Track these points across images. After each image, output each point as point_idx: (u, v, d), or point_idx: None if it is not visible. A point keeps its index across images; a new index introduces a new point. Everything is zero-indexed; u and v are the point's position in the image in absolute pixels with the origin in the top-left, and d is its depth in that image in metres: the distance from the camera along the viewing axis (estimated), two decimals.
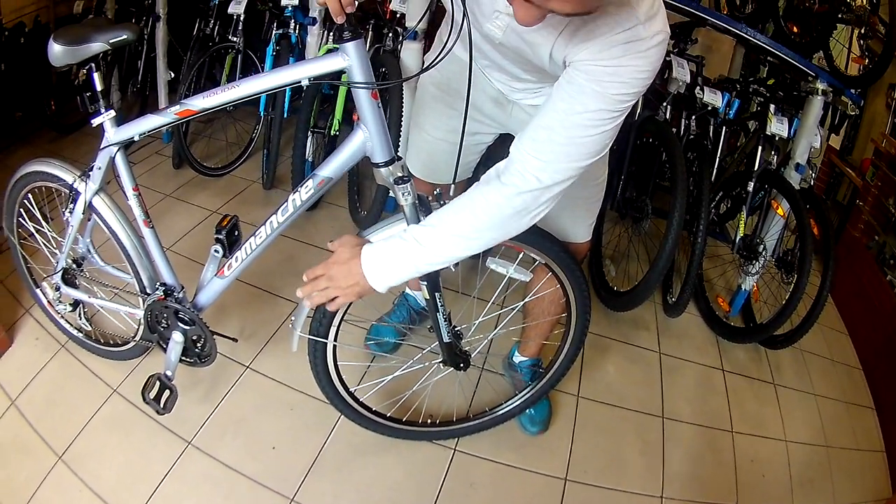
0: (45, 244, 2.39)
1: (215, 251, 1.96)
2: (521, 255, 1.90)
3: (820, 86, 2.89)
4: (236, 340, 2.29)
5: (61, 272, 2.28)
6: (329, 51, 2.90)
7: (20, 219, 2.35)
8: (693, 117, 3.21)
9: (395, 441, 2.33)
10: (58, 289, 2.33)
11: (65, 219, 2.11)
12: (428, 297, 1.84)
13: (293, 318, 1.87)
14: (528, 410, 2.44)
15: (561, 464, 2.34)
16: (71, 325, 2.52)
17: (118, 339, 2.47)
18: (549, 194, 1.45)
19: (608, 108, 1.34)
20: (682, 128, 3.24)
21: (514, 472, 2.30)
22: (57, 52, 1.77)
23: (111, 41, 1.80)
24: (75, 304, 2.40)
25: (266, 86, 1.57)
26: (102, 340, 2.51)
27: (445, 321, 1.92)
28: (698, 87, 3.13)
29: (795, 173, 2.95)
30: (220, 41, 3.56)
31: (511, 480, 2.28)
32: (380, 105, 1.53)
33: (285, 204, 1.72)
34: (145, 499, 2.08)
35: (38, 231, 2.36)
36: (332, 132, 3.35)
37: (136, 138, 1.85)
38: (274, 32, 3.51)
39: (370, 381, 2.31)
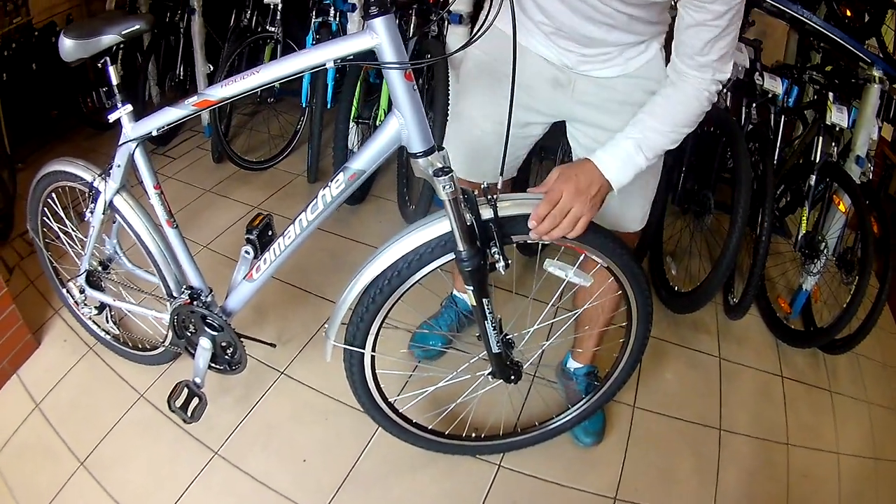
0: (70, 245, 2.29)
1: (246, 252, 1.85)
2: (581, 258, 1.70)
3: (876, 73, 2.66)
4: (274, 346, 2.15)
5: (85, 274, 2.17)
6: None
7: (45, 219, 2.25)
8: (753, 105, 2.96)
9: (435, 456, 2.16)
10: (82, 291, 2.23)
11: (86, 219, 2.00)
12: (475, 304, 1.64)
13: (326, 326, 1.75)
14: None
15: (611, 481, 2.16)
16: (100, 327, 2.42)
17: (147, 344, 2.36)
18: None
19: None
20: (743, 117, 2.99)
21: (561, 491, 2.12)
22: (68, 46, 1.69)
23: (124, 32, 1.70)
24: (101, 307, 2.30)
25: (287, 70, 1.42)
26: (131, 344, 2.40)
27: (494, 330, 1.72)
28: (757, 73, 2.91)
29: (856, 166, 2.71)
30: (258, 31, 3.46)
31: (557, 499, 2.10)
32: (415, 88, 1.37)
33: (314, 201, 1.59)
34: None
35: (63, 232, 2.26)
36: (378, 122, 3.17)
37: (155, 133, 1.70)
38: (313, 20, 3.38)
39: (411, 391, 2.17)
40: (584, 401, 2.15)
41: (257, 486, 2.06)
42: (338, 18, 3.41)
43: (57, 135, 3.72)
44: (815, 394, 2.67)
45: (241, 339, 1.97)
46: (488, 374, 1.89)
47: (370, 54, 1.32)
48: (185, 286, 1.97)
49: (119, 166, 1.84)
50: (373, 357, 1.80)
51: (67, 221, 2.22)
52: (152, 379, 2.36)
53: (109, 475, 2.06)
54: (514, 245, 1.63)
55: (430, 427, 2.10)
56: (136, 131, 1.74)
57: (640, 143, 1.50)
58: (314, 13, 3.40)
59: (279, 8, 3.37)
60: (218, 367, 2.07)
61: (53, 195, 2.17)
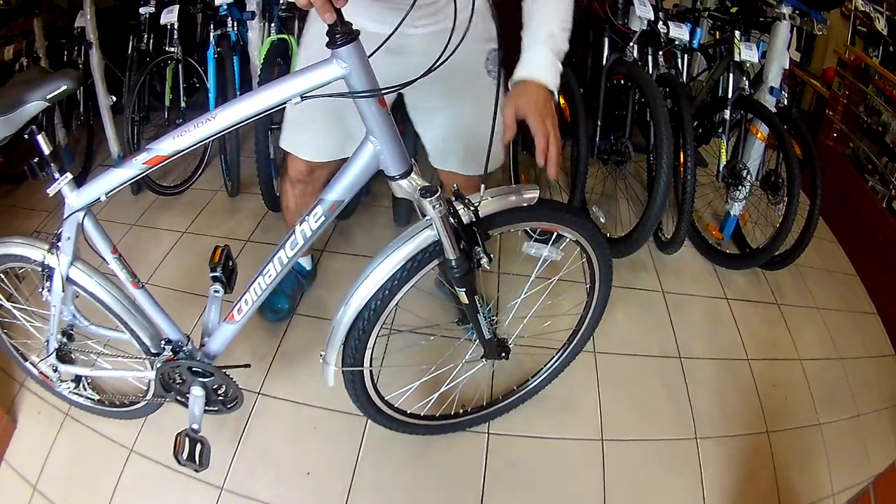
0: (26, 319, 2.11)
1: (215, 291, 1.84)
2: (554, 236, 1.76)
3: (786, 10, 2.74)
4: (249, 366, 2.04)
5: (54, 353, 2.00)
6: (273, 43, 2.72)
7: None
8: (660, 52, 3.02)
9: (428, 439, 2.20)
10: (55, 370, 2.07)
11: (44, 299, 1.83)
12: (467, 301, 1.65)
13: (323, 353, 1.73)
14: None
15: (594, 426, 2.25)
16: (80, 396, 2.26)
17: (129, 399, 2.23)
18: None
19: None
20: (651, 64, 3.05)
21: (552, 443, 2.20)
22: None
23: (49, 96, 1.50)
24: (77, 379, 2.16)
25: (249, 111, 1.33)
26: (116, 403, 2.27)
27: (486, 320, 1.77)
28: (661, 23, 2.94)
29: (770, 97, 2.82)
30: (157, 55, 3.30)
31: (551, 451, 2.18)
32: (388, 112, 1.34)
33: (292, 236, 1.54)
34: None
35: (19, 309, 2.08)
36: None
37: (104, 198, 1.56)
38: (212, 34, 3.21)
39: (403, 384, 2.15)
40: (555, 359, 2.22)
41: None
42: (236, 28, 3.26)
43: None
44: (764, 309, 2.80)
45: (228, 375, 1.89)
46: (481, 357, 1.94)
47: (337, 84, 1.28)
48: (163, 340, 1.88)
49: (69, 238, 1.68)
50: (371, 372, 1.83)
51: (20, 299, 2.07)
52: (136, 431, 2.27)
53: None
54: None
55: (422, 414, 2.14)
56: (82, 199, 1.58)
57: (552, 48, 1.53)
58: (212, 26, 3.25)
59: (175, 27, 3.23)
60: (213, 409, 1.99)
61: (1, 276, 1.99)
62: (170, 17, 3.20)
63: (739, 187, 2.83)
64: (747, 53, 2.76)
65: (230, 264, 1.83)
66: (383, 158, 1.38)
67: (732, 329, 2.68)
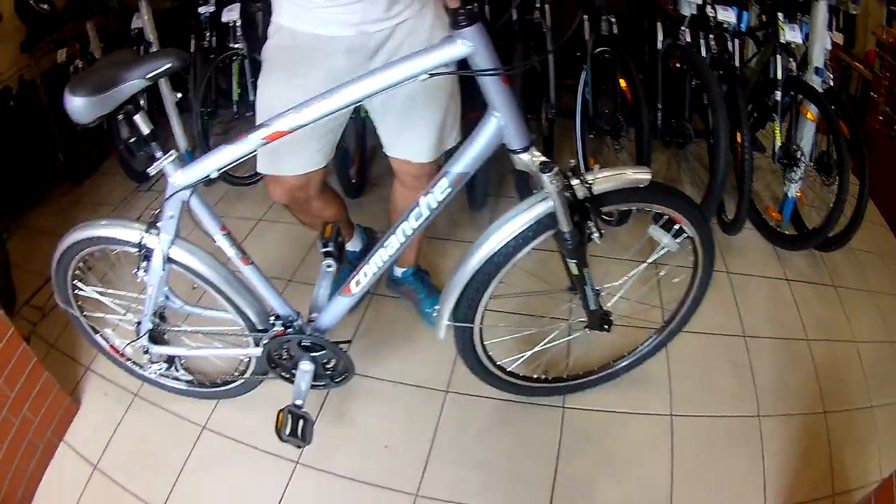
0: (112, 304, 2.11)
1: (327, 266, 1.87)
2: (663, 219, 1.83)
3: None
4: (350, 342, 2.08)
5: (147, 335, 2.00)
6: None
7: (76, 291, 2.07)
8: (710, 36, 3.07)
9: (505, 413, 2.24)
10: (146, 352, 2.05)
11: (140, 279, 1.81)
12: (577, 273, 1.72)
13: (436, 308, 1.84)
14: (430, 310, 2.43)
15: (664, 401, 2.28)
16: (170, 379, 2.28)
17: (222, 378, 2.26)
18: None
19: None
20: (703, 48, 3.10)
21: (624, 418, 2.24)
22: (79, 106, 1.42)
23: (150, 75, 1.46)
24: (170, 360, 2.14)
25: (373, 87, 1.37)
26: (207, 383, 2.28)
27: (593, 294, 1.83)
28: (709, 6, 2.99)
29: (816, 77, 2.83)
30: (221, 51, 3.35)
31: (622, 426, 2.22)
32: (510, 89, 1.39)
33: (417, 208, 1.59)
34: None
35: (102, 294, 2.09)
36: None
37: (214, 174, 1.56)
38: None
39: (507, 349, 2.19)
40: (651, 339, 2.25)
41: (348, 483, 2.05)
42: None
43: (36, 197, 3.54)
44: (822, 290, 2.81)
45: (342, 349, 1.90)
46: (584, 327, 1.98)
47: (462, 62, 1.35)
48: (272, 316, 1.88)
49: (171, 216, 1.66)
50: (480, 329, 1.88)
51: (104, 286, 2.07)
52: (210, 408, 2.29)
53: None
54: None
55: (522, 374, 2.18)
56: (188, 177, 1.57)
57: None
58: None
59: (238, 24, 3.28)
60: (319, 383, 2.00)
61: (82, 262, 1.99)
62: (231, 15, 3.24)
63: (794, 168, 2.84)
64: (791, 35, 2.77)
65: (339, 240, 1.87)
66: (507, 133, 1.44)
67: (793, 309, 2.69)
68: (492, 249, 1.64)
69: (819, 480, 2.07)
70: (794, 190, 2.92)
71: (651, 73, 3.14)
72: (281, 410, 1.85)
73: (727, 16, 2.97)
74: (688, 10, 2.95)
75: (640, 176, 1.61)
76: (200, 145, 3.32)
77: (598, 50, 2.98)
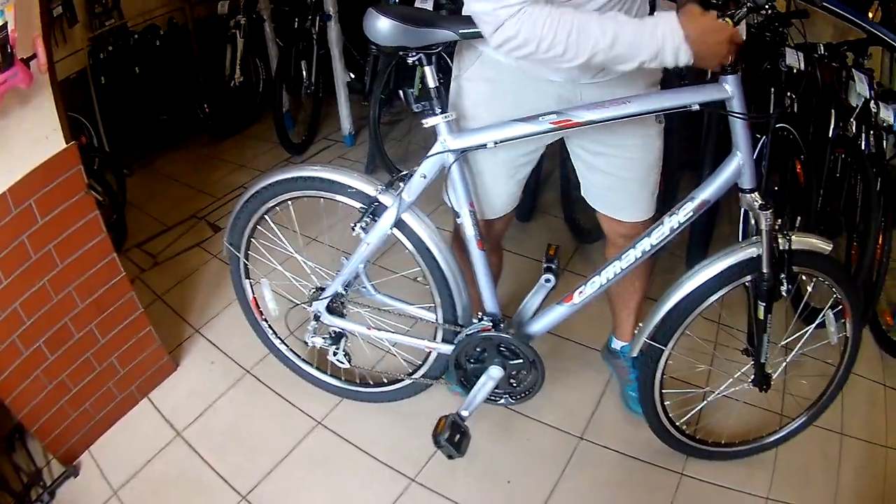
0: (293, 278, 2.05)
1: (546, 280, 1.89)
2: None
3: None
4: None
5: (328, 299, 1.92)
6: None
7: (253, 238, 2.00)
8: (871, 132, 2.98)
9: (630, 469, 2.16)
10: (317, 318, 1.96)
11: (356, 234, 1.75)
12: (762, 318, 1.77)
13: (640, 324, 1.82)
14: (632, 393, 2.29)
15: (765, 481, 2.17)
16: (312, 365, 2.20)
17: (379, 379, 2.17)
18: None
19: None
20: (863, 143, 2.96)
21: (739, 497, 2.13)
22: (385, 27, 1.47)
23: (462, 31, 1.47)
24: (337, 337, 2.03)
25: (654, 106, 1.51)
26: (358, 381, 2.19)
27: (768, 344, 1.85)
28: (873, 102, 2.88)
29: None
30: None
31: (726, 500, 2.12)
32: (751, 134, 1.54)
33: (660, 227, 1.66)
34: None
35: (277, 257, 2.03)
36: None
37: (491, 145, 1.55)
38: None
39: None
40: (807, 412, 2.22)
41: None
42: None
43: (168, 141, 3.53)
44: None
45: (540, 360, 1.84)
46: (750, 381, 1.98)
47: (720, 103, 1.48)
48: (481, 313, 1.83)
49: (423, 177, 1.64)
50: (668, 357, 1.88)
51: (289, 243, 1.99)
52: (331, 406, 2.21)
53: None
54: None
55: (688, 432, 2.14)
56: (460, 143, 1.58)
57: None
58: None
59: None
60: (496, 398, 1.94)
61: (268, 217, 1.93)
62: (426, 3, 3.16)
63: None
64: None
65: (559, 263, 1.92)
66: (743, 171, 1.55)
67: (882, 414, 2.61)
68: (700, 281, 1.73)
69: None
70: None
71: (819, 159, 3.04)
72: (444, 417, 1.81)
73: (888, 115, 2.96)
74: (856, 101, 2.90)
75: (825, 243, 1.72)
76: (372, 130, 3.26)
77: (779, 125, 2.96)
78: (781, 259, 1.66)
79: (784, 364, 2.12)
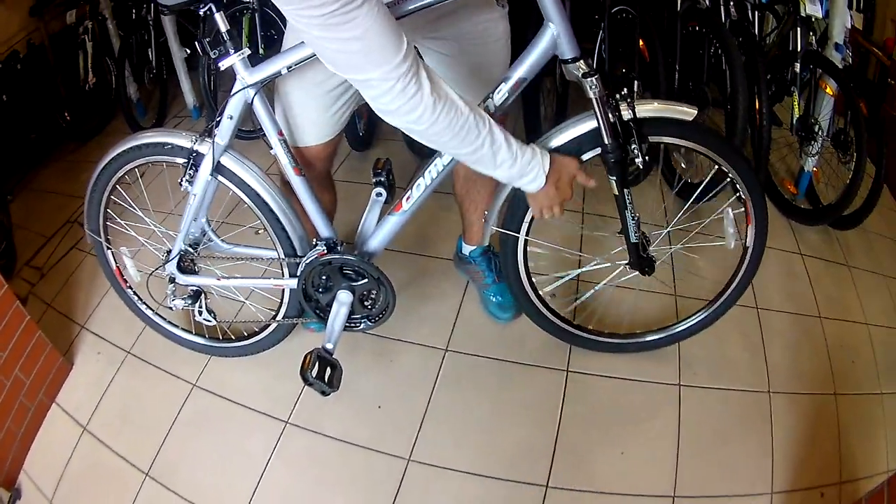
0: (145, 242, 2.17)
1: (377, 194, 1.91)
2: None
3: None
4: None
5: (177, 259, 2.01)
6: None
7: (108, 221, 2.11)
8: (731, 2, 3.20)
9: (507, 373, 2.26)
10: (172, 280, 2.06)
11: (184, 189, 1.86)
12: (617, 193, 1.80)
13: (486, 213, 1.90)
14: (493, 298, 2.43)
15: (672, 370, 2.28)
16: (178, 326, 2.32)
17: (248, 330, 2.27)
18: None
19: None
20: (723, 14, 3.24)
21: (630, 385, 2.25)
22: None
23: None
24: (195, 295, 2.13)
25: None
26: (233, 336, 2.29)
27: (633, 221, 1.88)
28: None
29: (836, 53, 2.96)
30: (231, 4, 3.36)
31: (628, 394, 2.23)
32: (563, 2, 1.51)
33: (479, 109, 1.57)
34: (249, 494, 1.97)
35: (134, 228, 2.14)
36: None
37: (284, 71, 1.63)
38: None
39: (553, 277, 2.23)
40: (709, 306, 2.25)
41: (338, 444, 2.07)
42: None
43: (40, 157, 3.61)
44: (835, 268, 2.88)
45: (385, 277, 1.89)
46: (625, 264, 2.02)
47: None
48: (314, 240, 1.91)
49: (231, 118, 1.72)
50: (525, 241, 1.95)
51: (141, 212, 2.10)
52: (201, 366, 2.32)
53: (180, 478, 2.02)
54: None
55: (562, 315, 2.22)
56: (256, 76, 1.65)
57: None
58: None
59: None
60: (355, 323, 2.01)
61: (118, 187, 2.03)
62: None
63: (812, 142, 2.97)
64: (812, 8, 2.88)
65: (390, 171, 1.94)
66: (560, 42, 1.55)
67: (806, 285, 2.75)
68: None
69: (827, 466, 2.08)
70: (810, 164, 3.05)
71: (670, 35, 3.22)
72: (309, 353, 1.85)
73: None
74: None
75: (685, 109, 1.74)
76: (207, 100, 3.43)
77: (616, 9, 3.08)
78: (627, 128, 1.69)
79: (673, 249, 2.27)
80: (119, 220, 2.15)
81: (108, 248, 2.19)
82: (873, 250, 3.07)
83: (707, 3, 3.12)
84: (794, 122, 3.01)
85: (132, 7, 3.72)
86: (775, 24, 3.47)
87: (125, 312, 2.36)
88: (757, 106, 2.84)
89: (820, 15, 2.90)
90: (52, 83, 3.57)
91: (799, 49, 2.97)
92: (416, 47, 1.45)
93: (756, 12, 3.32)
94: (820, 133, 2.94)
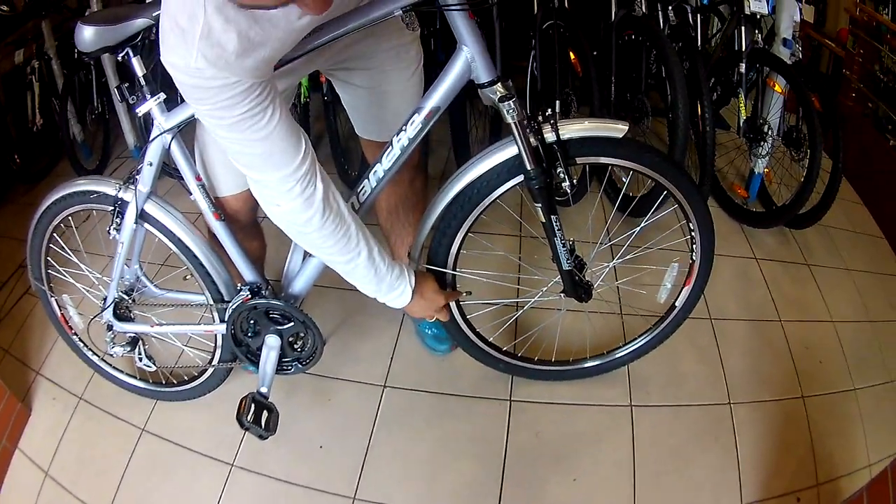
0: (85, 289, 2.17)
1: None
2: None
3: None
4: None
5: (112, 307, 2.00)
6: None
7: (49, 269, 2.12)
8: (669, 7, 3.14)
9: (447, 407, 2.23)
10: (110, 328, 2.05)
11: (112, 237, 1.84)
12: (544, 221, 1.73)
13: (410, 251, 1.86)
14: (428, 331, 2.39)
15: (621, 391, 2.24)
16: (123, 372, 2.30)
17: (186, 376, 2.26)
18: None
19: None
20: (661, 19, 3.18)
21: (577, 410, 2.20)
22: (88, 35, 1.55)
23: (155, 14, 1.52)
24: (133, 342, 2.12)
25: (357, 21, 1.44)
26: (174, 381, 2.29)
27: (564, 247, 1.80)
28: None
29: (784, 49, 2.93)
30: (150, 48, 3.27)
31: (576, 419, 2.17)
32: (476, 25, 1.47)
33: (390, 148, 1.61)
34: None
35: (72, 274, 2.13)
36: (304, 99, 3.33)
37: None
38: None
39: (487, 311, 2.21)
40: (655, 327, 2.20)
41: (283, 486, 2.04)
42: None
43: None
44: (794, 269, 2.84)
45: (311, 319, 1.86)
46: (560, 292, 1.95)
47: None
48: (239, 284, 1.89)
49: (150, 164, 1.71)
50: (454, 276, 1.91)
51: (78, 260, 2.10)
52: (148, 410, 2.29)
53: None
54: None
55: (504, 349, 2.19)
56: (172, 120, 1.64)
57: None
58: None
59: None
60: (286, 367, 1.98)
61: (56, 235, 2.04)
62: None
63: (762, 143, 2.92)
64: (756, 5, 2.84)
65: None
66: (474, 66, 1.49)
67: (763, 289, 2.70)
68: (460, 187, 1.72)
69: (801, 470, 2.04)
70: (760, 166, 3.01)
71: (605, 46, 3.17)
72: (244, 398, 1.83)
73: None
74: None
75: (615, 126, 1.64)
76: (145, 141, 3.37)
77: (548, 24, 3.02)
78: (551, 152, 1.62)
79: (612, 264, 2.17)
80: (59, 268, 2.15)
81: (52, 295, 2.17)
82: (834, 245, 3.03)
83: (643, 10, 3.06)
84: (742, 123, 2.97)
85: (75, 49, 3.59)
86: (720, 25, 3.42)
87: (76, 357, 2.36)
88: (699, 111, 2.79)
89: (766, 11, 2.86)
90: (3, 125, 3.52)
91: (744, 48, 2.92)
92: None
93: (698, 15, 3.28)
94: (770, 133, 2.90)
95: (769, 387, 2.28)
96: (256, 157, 1.32)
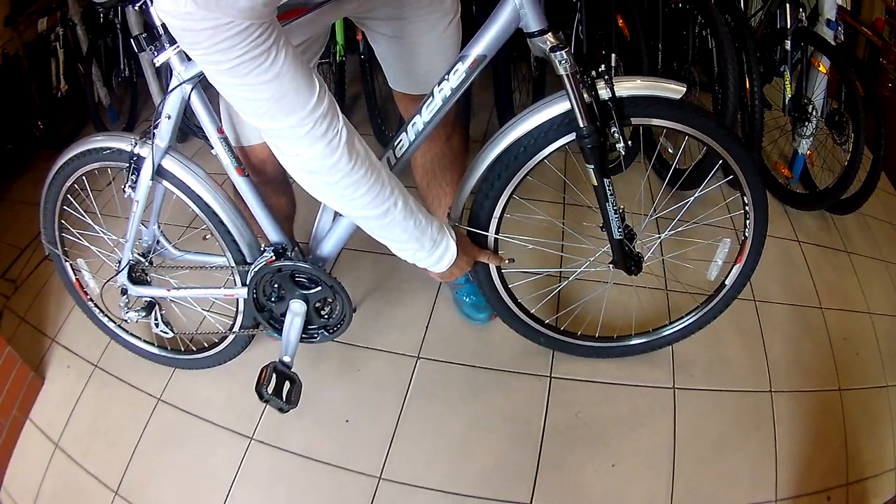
0: (99, 252, 2.06)
1: None
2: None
3: None
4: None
5: (127, 269, 1.88)
6: None
7: (64, 233, 2.01)
8: None
9: (483, 381, 2.10)
10: (125, 292, 1.94)
11: (127, 195, 1.72)
12: (597, 184, 1.61)
13: (450, 208, 1.74)
14: (466, 298, 2.26)
15: (665, 372, 2.12)
16: (140, 339, 2.19)
17: (208, 341, 2.14)
18: None
19: None
20: None
21: (619, 390, 2.08)
22: None
23: None
24: (149, 306, 2.00)
25: None
26: (194, 348, 2.17)
27: (616, 215, 1.68)
28: None
29: (828, 29, 2.79)
30: None
31: (618, 400, 2.06)
32: None
33: (430, 99, 1.48)
34: None
35: (87, 237, 2.04)
36: (339, 58, 3.27)
37: None
38: None
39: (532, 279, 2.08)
40: (704, 304, 2.07)
41: (304, 461, 1.92)
42: None
43: (17, 167, 3.50)
44: (834, 256, 2.71)
45: (340, 284, 1.73)
46: (609, 262, 1.83)
47: None
48: (263, 245, 1.76)
49: (169, 118, 1.58)
50: (496, 240, 1.77)
51: (93, 222, 1.99)
52: (165, 379, 2.19)
53: (148, 496, 1.92)
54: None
55: (546, 321, 2.05)
56: (192, 70, 1.49)
57: None
58: None
59: None
60: (312, 335, 1.85)
61: (70, 197, 1.91)
62: None
63: (806, 123, 2.79)
64: None
65: None
66: (523, 13, 1.37)
67: (805, 274, 2.59)
68: (508, 142, 1.59)
69: (833, 467, 1.95)
70: (804, 146, 2.87)
71: (652, 13, 3.04)
72: (265, 367, 1.70)
73: None
74: None
75: (672, 86, 1.52)
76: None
77: None
78: (605, 109, 1.50)
79: (658, 240, 2.07)
80: (74, 231, 2.05)
81: (67, 260, 2.07)
82: (872, 236, 2.90)
83: None
84: (787, 102, 2.84)
85: (99, 15, 3.61)
86: (762, 3, 3.28)
87: (92, 325, 2.27)
88: (747, 86, 2.68)
89: None
90: (27, 92, 3.49)
91: (789, 26, 2.79)
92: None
93: None
94: (814, 113, 2.77)
95: (809, 377, 2.17)
96: (263, 103, 1.16)
